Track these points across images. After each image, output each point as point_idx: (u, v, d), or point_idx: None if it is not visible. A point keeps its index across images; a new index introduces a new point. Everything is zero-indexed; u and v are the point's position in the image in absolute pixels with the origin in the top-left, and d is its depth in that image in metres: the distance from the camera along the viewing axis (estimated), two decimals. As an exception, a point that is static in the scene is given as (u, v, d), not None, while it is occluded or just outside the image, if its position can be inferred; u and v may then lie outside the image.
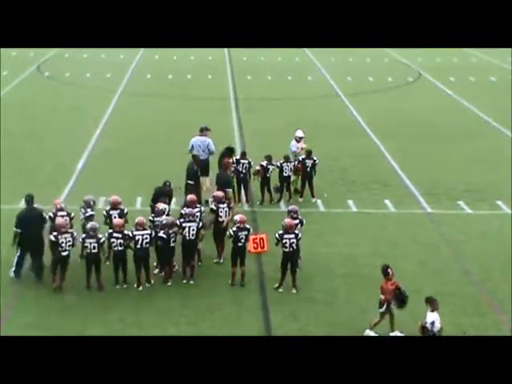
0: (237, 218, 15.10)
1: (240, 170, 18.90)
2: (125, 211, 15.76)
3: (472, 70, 40.12)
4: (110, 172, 21.52)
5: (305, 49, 46.43)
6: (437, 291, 14.83)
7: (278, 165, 19.03)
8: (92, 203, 15.89)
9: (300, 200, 19.33)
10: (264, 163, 19.00)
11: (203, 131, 19.59)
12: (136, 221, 14.82)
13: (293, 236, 14.64)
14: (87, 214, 15.65)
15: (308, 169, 19.37)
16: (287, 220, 15.00)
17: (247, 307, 14.10)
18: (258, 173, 18.99)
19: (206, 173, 19.22)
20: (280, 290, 14.72)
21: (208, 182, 19.18)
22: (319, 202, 19.58)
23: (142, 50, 44.89)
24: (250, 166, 19.04)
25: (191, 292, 14.61)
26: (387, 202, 19.74)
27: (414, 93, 34.47)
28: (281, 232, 14.68)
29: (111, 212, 15.65)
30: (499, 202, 19.79)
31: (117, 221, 15.01)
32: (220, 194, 16.30)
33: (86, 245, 14.55)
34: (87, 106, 29.98)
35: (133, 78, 36.21)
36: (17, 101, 30.41)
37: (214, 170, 19.06)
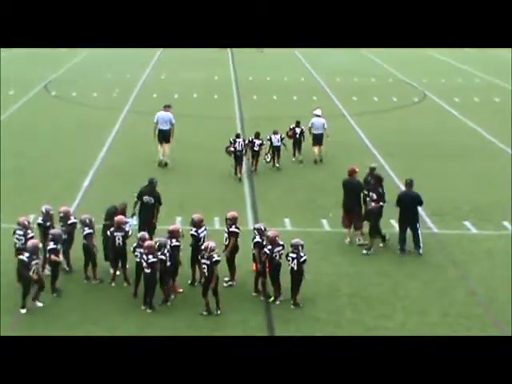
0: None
1: (236, 148, 23.11)
2: (129, 233, 15.79)
3: (476, 90, 40.21)
4: (116, 190, 21.53)
5: (310, 69, 46.64)
6: (443, 312, 14.83)
7: (268, 137, 23.98)
8: (88, 222, 15.91)
9: (293, 160, 24.78)
10: (250, 138, 23.78)
11: (166, 108, 24.74)
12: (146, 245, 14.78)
13: (280, 248, 15.01)
14: (85, 233, 15.78)
15: (297, 135, 24.96)
16: (271, 232, 15.21)
17: (252, 327, 14.04)
18: (246, 146, 23.43)
19: (168, 140, 24.40)
20: (277, 303, 14.91)
21: (167, 149, 24.25)
22: (324, 221, 19.58)
23: (148, 70, 45.15)
24: (244, 144, 23.35)
25: (197, 312, 14.58)
26: (393, 221, 19.70)
27: (419, 113, 34.53)
28: (270, 247, 14.94)
29: (115, 233, 15.63)
30: (505, 223, 19.76)
31: (148, 243, 14.72)
32: (199, 217, 15.87)
33: (15, 237, 15.55)
34: (94, 124, 30.14)
35: (139, 97, 36.39)
36: (24, 119, 30.58)
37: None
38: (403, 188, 18.73)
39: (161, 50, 55.47)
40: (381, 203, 17.81)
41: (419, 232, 17.87)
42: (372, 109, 34.81)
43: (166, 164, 24.06)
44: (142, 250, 14.77)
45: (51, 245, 15.07)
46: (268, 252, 14.95)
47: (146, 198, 17.40)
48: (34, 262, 14.36)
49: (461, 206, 21.05)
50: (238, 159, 23.25)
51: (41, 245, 15.15)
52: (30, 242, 14.74)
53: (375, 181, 18.24)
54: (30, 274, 14.28)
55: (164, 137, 24.39)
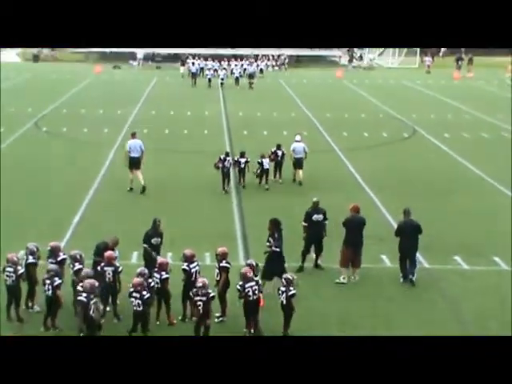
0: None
1: (225, 165, 25.26)
2: (119, 269, 15.73)
3: (465, 126, 40.47)
4: (107, 226, 21.47)
5: (301, 104, 46.95)
6: (434, 347, 14.74)
7: (259, 161, 25.86)
8: (78, 257, 15.90)
9: (273, 180, 26.43)
10: (236, 158, 26.10)
11: (134, 135, 26.57)
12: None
13: (254, 283, 14.91)
14: (75, 268, 15.74)
15: (279, 158, 26.74)
16: (244, 269, 15.17)
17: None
18: (234, 165, 25.83)
19: (138, 167, 25.64)
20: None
21: (139, 174, 25.43)
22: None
23: (138, 105, 45.31)
24: (231, 164, 25.60)
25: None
26: (383, 257, 19.70)
27: (409, 148, 34.70)
28: (241, 283, 14.91)
29: (105, 268, 15.60)
30: (496, 258, 19.76)
31: (136, 280, 14.80)
32: (191, 252, 15.85)
33: (5, 274, 15.41)
34: (84, 160, 30.15)
35: (130, 133, 36.29)
36: (14, 156, 30.52)
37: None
38: (390, 219, 18.67)
39: (152, 85, 55.78)
40: (275, 248, 17.10)
41: (417, 262, 17.93)
42: (362, 144, 34.98)
43: (131, 189, 25.32)
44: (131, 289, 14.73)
45: (57, 280, 15.04)
46: (239, 288, 14.93)
47: (154, 240, 17.09)
48: (92, 302, 14.13)
49: (451, 241, 21.05)
50: (226, 176, 25.31)
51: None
52: (87, 282, 14.34)
53: (272, 225, 17.40)
54: (91, 313, 14.07)
55: (135, 164, 25.59)
